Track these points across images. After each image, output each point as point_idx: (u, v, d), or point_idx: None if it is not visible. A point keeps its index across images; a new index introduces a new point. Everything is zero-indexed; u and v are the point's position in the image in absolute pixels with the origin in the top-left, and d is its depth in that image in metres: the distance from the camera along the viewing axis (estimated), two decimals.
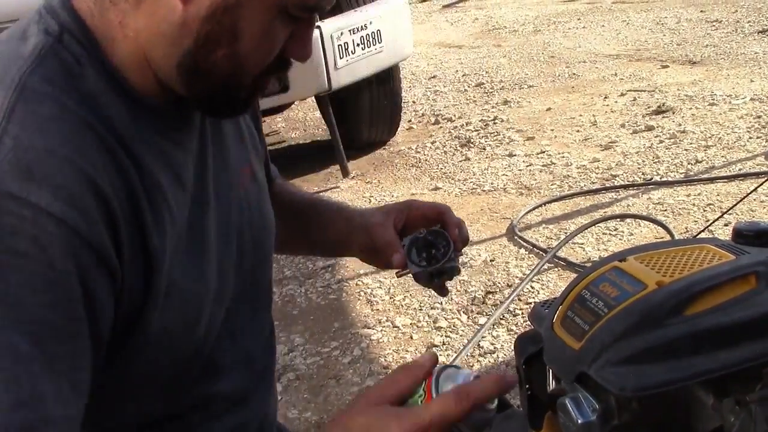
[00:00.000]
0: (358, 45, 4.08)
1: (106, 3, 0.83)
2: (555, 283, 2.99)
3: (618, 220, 3.45)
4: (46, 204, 0.72)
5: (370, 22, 4.16)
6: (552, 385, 0.92)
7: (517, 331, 2.73)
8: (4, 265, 0.70)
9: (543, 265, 3.06)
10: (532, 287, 2.98)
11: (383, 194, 4.32)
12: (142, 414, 0.95)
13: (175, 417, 0.97)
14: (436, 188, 4.27)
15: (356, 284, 3.26)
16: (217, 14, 0.80)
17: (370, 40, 4.18)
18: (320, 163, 4.88)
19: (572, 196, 3.85)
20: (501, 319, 2.80)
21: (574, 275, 1.28)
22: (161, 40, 0.82)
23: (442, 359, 2.59)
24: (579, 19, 8.90)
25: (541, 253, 3.26)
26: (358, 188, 4.51)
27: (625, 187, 3.86)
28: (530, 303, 2.89)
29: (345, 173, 4.62)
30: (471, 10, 11.47)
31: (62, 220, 0.72)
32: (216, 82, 0.85)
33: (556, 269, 3.10)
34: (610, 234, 3.35)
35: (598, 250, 3.23)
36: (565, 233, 3.38)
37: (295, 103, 5.70)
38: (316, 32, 3.81)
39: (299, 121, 6.31)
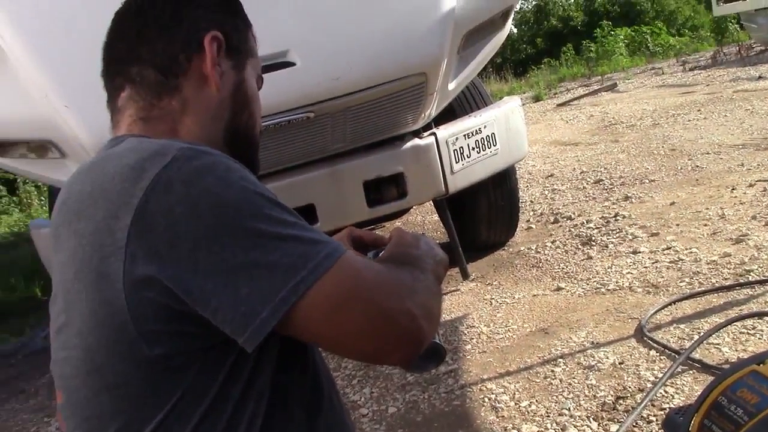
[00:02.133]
0: (473, 149, 4.15)
1: (158, 124, 1.10)
2: (690, 387, 2.84)
3: (756, 318, 3.26)
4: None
5: (485, 126, 4.24)
6: None
7: None
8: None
9: (676, 367, 2.92)
10: (666, 392, 2.83)
11: (504, 296, 4.28)
12: None
13: None
14: (558, 288, 4.19)
15: (480, 389, 3.20)
16: (237, 90, 1.16)
17: (485, 143, 4.25)
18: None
19: (704, 293, 3.68)
20: (634, 426, 2.66)
21: (710, 378, 1.21)
22: (209, 122, 1.13)
23: None
24: (699, 110, 8.73)
25: (673, 354, 3.11)
26: (479, 290, 4.49)
27: (762, 282, 3.66)
28: (664, 409, 2.75)
29: (465, 275, 4.62)
30: (586, 107, 11.47)
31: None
32: (251, 141, 1.19)
33: (690, 372, 2.95)
34: (747, 333, 3.17)
35: (736, 350, 3.05)
36: (699, 333, 3.23)
37: (413, 207, 5.81)
38: (431, 139, 3.92)
39: (418, 224, 6.40)
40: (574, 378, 3.12)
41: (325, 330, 0.93)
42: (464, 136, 4.12)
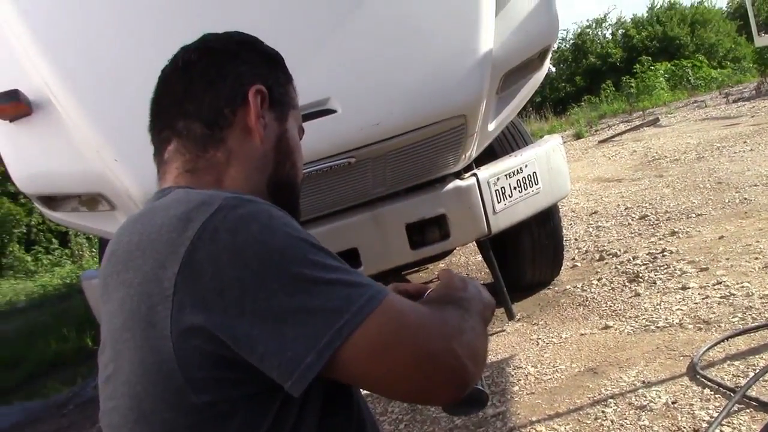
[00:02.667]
0: (515, 188, 4.15)
1: (204, 176, 1.13)
2: (748, 427, 2.75)
3: None
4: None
5: (526, 165, 4.23)
6: None
7: None
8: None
9: (732, 406, 2.84)
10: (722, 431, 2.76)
11: (551, 335, 4.22)
12: None
13: None
14: (606, 327, 4.13)
15: None
16: (280, 141, 1.19)
17: (527, 182, 4.24)
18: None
19: (758, 328, 3.59)
20: None
21: None
22: (253, 172, 1.16)
23: None
24: (745, 142, 8.60)
25: (728, 393, 3.03)
26: (525, 331, 4.44)
27: None
28: None
29: (510, 316, 4.57)
30: (628, 142, 11.38)
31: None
32: (294, 189, 1.22)
33: (747, 410, 2.86)
34: None
35: None
36: (754, 370, 3.14)
37: (457, 249, 5.79)
38: (472, 180, 3.93)
39: (461, 265, 6.37)
40: (626, 419, 3.06)
41: (370, 371, 0.94)
42: (505, 176, 4.12)
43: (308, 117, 3.05)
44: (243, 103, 1.16)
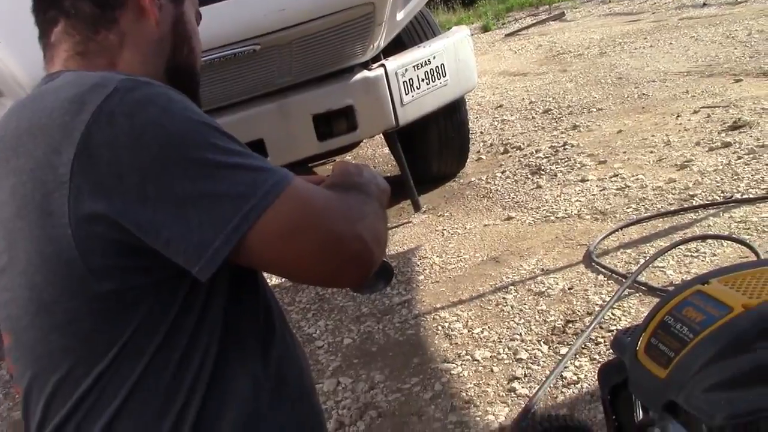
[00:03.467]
0: (423, 80, 4.12)
1: (95, 59, 1.07)
2: (637, 310, 2.92)
3: (699, 241, 3.35)
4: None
5: (434, 57, 4.20)
6: (640, 415, 0.90)
7: (600, 360, 2.67)
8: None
9: (623, 291, 3.00)
10: (614, 314, 2.91)
11: (455, 226, 4.32)
12: None
13: None
14: (509, 218, 4.24)
15: (433, 318, 3.25)
16: (176, 24, 1.14)
17: (435, 74, 4.22)
18: (391, 198, 4.90)
19: (650, 218, 3.77)
20: (583, 348, 2.74)
21: (656, 300, 1.24)
22: (149, 57, 1.11)
23: (524, 392, 2.56)
24: (645, 38, 8.77)
25: (620, 278, 3.19)
26: (430, 222, 4.52)
27: (705, 206, 3.75)
28: (612, 331, 2.83)
29: (416, 208, 4.64)
30: (534, 36, 11.44)
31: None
32: (193, 75, 1.18)
33: (637, 295, 3.03)
34: (691, 256, 3.26)
35: (680, 273, 3.14)
36: (645, 257, 3.31)
37: (364, 141, 5.77)
38: (380, 70, 3.87)
39: (368, 158, 6.38)
40: (524, 304, 3.19)
41: (277, 256, 0.93)
42: (414, 67, 4.08)
43: (207, 1, 2.91)
44: None
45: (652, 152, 4.73)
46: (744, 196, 3.75)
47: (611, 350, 1.00)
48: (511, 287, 3.37)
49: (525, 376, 2.69)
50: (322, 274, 0.97)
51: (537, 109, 6.61)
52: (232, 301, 1.01)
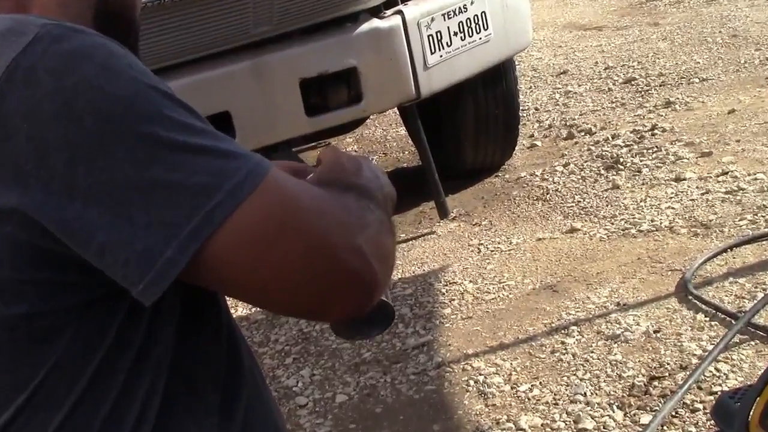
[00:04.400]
0: (455, 34, 4.13)
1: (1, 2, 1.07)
2: (751, 364, 2.92)
3: None
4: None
5: (471, 2, 4.20)
6: None
7: None
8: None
9: (733, 336, 2.99)
10: (718, 369, 2.91)
11: (497, 240, 4.32)
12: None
13: None
14: (573, 230, 4.24)
15: (463, 369, 3.25)
16: None
17: (473, 26, 4.22)
18: (408, 199, 4.92)
19: None
20: (673, 416, 2.74)
21: None
22: (71, 2, 1.10)
23: None
24: None
25: (728, 319, 3.19)
26: (462, 233, 4.52)
27: None
28: (715, 393, 2.82)
29: (443, 213, 4.63)
30: None
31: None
32: (131, 23, 1.19)
33: (751, 343, 3.03)
34: None
35: None
36: (764, 290, 3.30)
37: (371, 117, 5.78)
38: (396, 19, 3.88)
39: (377, 141, 6.39)
40: (592, 353, 3.18)
41: (247, 273, 0.93)
42: (443, 15, 4.09)
43: None
44: None
45: None
46: None
47: (712, 420, 1.00)
48: (574, 328, 3.37)
49: None
50: (307, 299, 0.96)
51: (616, 78, 6.61)
52: (184, 333, 1.02)
